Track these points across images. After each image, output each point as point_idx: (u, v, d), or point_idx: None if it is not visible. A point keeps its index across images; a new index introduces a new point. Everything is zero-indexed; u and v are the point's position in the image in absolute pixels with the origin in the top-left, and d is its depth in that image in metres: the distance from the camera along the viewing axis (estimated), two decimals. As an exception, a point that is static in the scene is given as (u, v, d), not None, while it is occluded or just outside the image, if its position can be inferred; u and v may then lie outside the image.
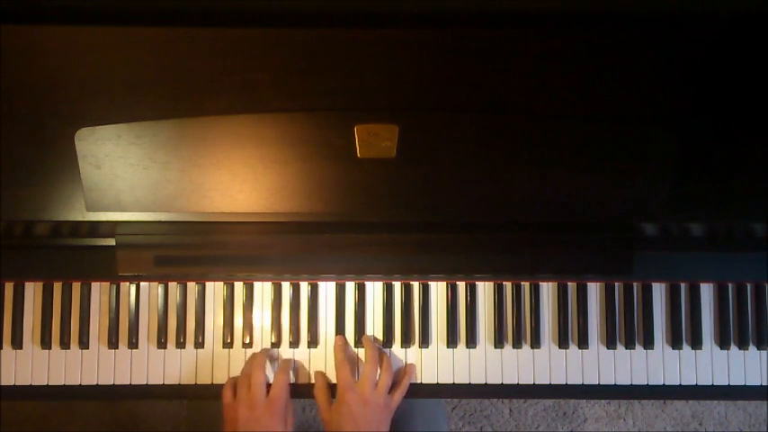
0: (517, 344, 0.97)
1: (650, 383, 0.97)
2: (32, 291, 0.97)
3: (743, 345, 0.97)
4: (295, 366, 0.97)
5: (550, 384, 0.97)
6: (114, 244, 0.91)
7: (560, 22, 0.84)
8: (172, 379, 0.96)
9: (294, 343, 0.97)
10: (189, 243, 0.90)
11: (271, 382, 0.93)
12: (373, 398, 0.90)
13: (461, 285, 0.98)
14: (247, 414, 0.88)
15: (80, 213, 0.85)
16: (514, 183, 0.84)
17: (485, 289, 0.98)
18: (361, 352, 0.97)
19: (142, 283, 0.97)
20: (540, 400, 1.64)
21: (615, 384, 0.97)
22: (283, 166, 0.83)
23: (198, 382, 0.96)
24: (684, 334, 0.98)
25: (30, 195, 0.84)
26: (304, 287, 0.98)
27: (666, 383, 0.97)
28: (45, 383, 0.96)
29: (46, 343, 0.96)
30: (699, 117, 0.83)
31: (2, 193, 0.83)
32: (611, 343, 0.97)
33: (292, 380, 0.96)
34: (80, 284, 0.97)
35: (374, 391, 0.91)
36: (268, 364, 0.94)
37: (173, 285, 0.97)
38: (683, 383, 0.97)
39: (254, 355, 0.95)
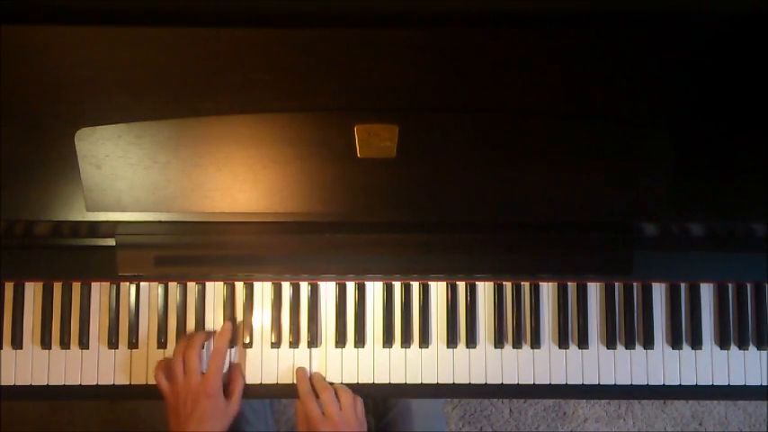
0: (517, 344, 0.97)
1: (650, 383, 0.97)
2: (32, 291, 0.97)
3: (743, 345, 0.97)
4: (292, 366, 0.97)
5: (550, 384, 0.97)
6: (114, 244, 0.91)
7: (560, 21, 0.84)
8: (172, 379, 0.96)
9: (294, 343, 0.97)
10: (189, 243, 0.90)
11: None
12: (342, 421, 0.90)
13: (461, 285, 0.98)
14: (185, 398, 0.89)
15: (80, 213, 0.85)
16: (514, 183, 0.84)
17: (485, 289, 0.98)
18: (359, 352, 0.97)
19: (142, 283, 0.97)
20: (540, 400, 1.64)
21: (615, 384, 0.97)
22: (283, 166, 0.83)
23: (198, 382, 0.96)
24: (684, 334, 0.98)
25: (30, 195, 0.84)
26: (304, 287, 0.98)
27: (666, 383, 0.97)
28: (45, 383, 0.96)
29: (46, 343, 0.96)
30: (698, 117, 0.83)
31: (2, 193, 0.83)
32: (611, 343, 0.97)
33: (290, 381, 0.96)
34: (80, 284, 0.97)
35: (341, 413, 0.91)
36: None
37: (173, 285, 0.97)
38: (683, 383, 0.97)
39: (188, 337, 0.94)
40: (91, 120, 0.82)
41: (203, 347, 0.95)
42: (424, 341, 0.97)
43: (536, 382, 0.97)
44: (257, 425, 1.16)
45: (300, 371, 0.96)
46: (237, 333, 0.97)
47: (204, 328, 0.97)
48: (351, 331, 0.97)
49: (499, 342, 0.97)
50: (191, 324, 0.97)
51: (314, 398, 0.93)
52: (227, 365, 0.96)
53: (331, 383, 0.95)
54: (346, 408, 0.92)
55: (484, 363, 0.97)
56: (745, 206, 0.85)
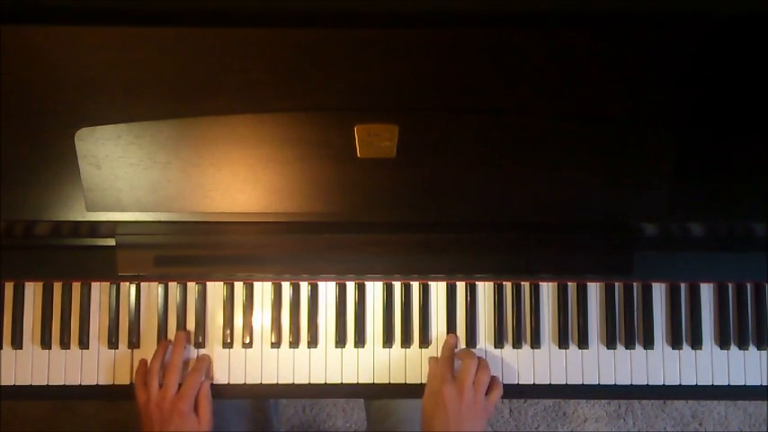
0: (517, 344, 0.97)
1: (650, 383, 0.97)
2: (32, 291, 0.97)
3: (743, 345, 0.97)
4: (294, 367, 0.97)
5: (550, 384, 0.97)
6: (114, 244, 0.91)
7: (560, 22, 0.84)
8: (172, 379, 0.96)
9: (294, 343, 0.97)
10: (189, 243, 0.90)
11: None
12: (470, 395, 0.88)
13: (461, 285, 0.98)
14: (159, 414, 0.89)
15: (80, 213, 0.85)
16: (514, 183, 0.84)
17: (485, 289, 0.98)
18: (359, 352, 0.97)
19: (142, 283, 0.97)
20: (540, 400, 1.64)
21: (615, 384, 0.97)
22: (283, 166, 0.83)
23: (198, 382, 0.96)
24: (684, 334, 0.98)
25: (30, 195, 0.84)
26: (304, 287, 0.98)
27: (666, 383, 0.97)
28: (45, 383, 0.96)
29: (46, 343, 0.96)
30: (699, 117, 0.83)
31: (2, 193, 0.83)
32: (611, 343, 0.97)
33: (290, 381, 0.96)
34: (80, 284, 0.97)
35: (472, 388, 0.88)
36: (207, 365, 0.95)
37: (173, 285, 0.97)
38: (683, 383, 0.97)
39: (164, 347, 0.94)
40: (91, 120, 0.82)
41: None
42: (425, 341, 0.97)
43: (536, 382, 0.97)
44: (263, 425, 1.16)
45: (451, 338, 0.95)
46: (237, 333, 0.97)
47: (204, 329, 0.97)
48: (351, 331, 0.97)
49: (499, 342, 0.97)
50: (191, 324, 0.97)
51: (453, 361, 0.91)
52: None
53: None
54: (479, 382, 0.89)
55: (484, 363, 0.97)
56: (745, 206, 0.85)
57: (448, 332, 0.97)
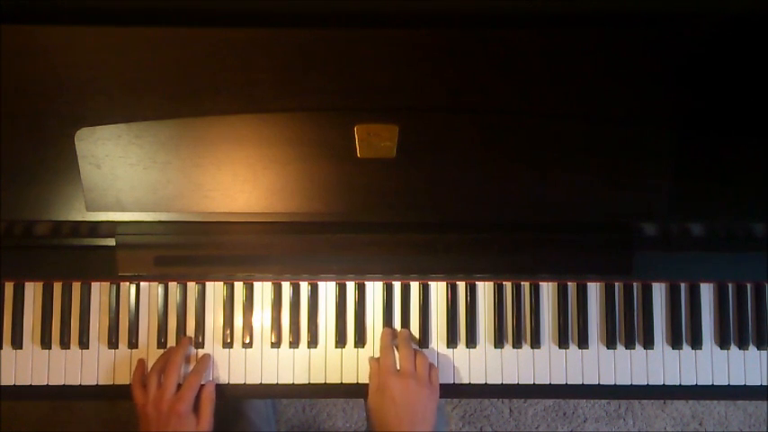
0: (517, 344, 0.97)
1: (650, 383, 0.97)
2: (32, 291, 0.97)
3: (743, 345, 0.97)
4: (294, 366, 0.97)
5: (550, 384, 0.97)
6: (114, 244, 0.91)
7: (560, 22, 0.84)
8: (172, 379, 0.96)
9: (294, 343, 0.97)
10: (189, 243, 0.90)
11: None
12: (414, 381, 0.89)
13: (461, 285, 0.98)
14: (156, 414, 0.89)
15: (80, 213, 0.85)
16: (514, 183, 0.84)
17: (485, 289, 0.98)
18: (359, 352, 0.97)
19: (142, 283, 0.97)
20: (540, 400, 1.64)
21: (615, 384, 0.97)
22: (283, 166, 0.83)
23: (198, 382, 0.96)
24: (684, 334, 0.98)
25: (30, 195, 0.84)
26: (304, 287, 0.98)
27: (666, 383, 0.97)
28: (45, 383, 0.96)
29: (46, 343, 0.96)
30: (699, 117, 0.83)
31: (2, 193, 0.83)
32: (611, 343, 0.97)
33: (290, 381, 0.96)
34: (80, 284, 0.97)
35: (414, 374, 0.90)
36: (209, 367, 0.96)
37: (173, 285, 0.97)
38: (683, 383, 0.97)
39: (170, 351, 0.94)
40: (91, 120, 0.82)
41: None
42: (424, 341, 0.97)
43: (536, 382, 0.97)
44: (259, 425, 1.16)
45: (387, 328, 0.96)
46: (237, 333, 0.97)
47: (204, 329, 0.97)
48: (351, 331, 0.97)
49: (499, 342, 0.97)
50: (191, 324, 0.97)
51: (393, 352, 0.93)
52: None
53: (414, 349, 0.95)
54: (420, 368, 0.91)
55: (484, 363, 0.97)
56: (745, 206, 0.85)
57: (448, 332, 0.97)
